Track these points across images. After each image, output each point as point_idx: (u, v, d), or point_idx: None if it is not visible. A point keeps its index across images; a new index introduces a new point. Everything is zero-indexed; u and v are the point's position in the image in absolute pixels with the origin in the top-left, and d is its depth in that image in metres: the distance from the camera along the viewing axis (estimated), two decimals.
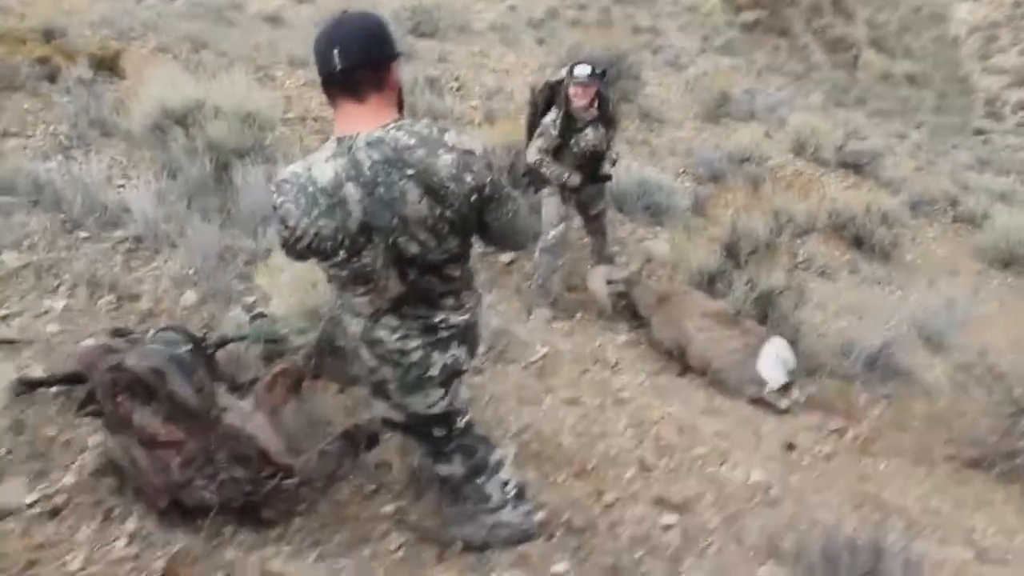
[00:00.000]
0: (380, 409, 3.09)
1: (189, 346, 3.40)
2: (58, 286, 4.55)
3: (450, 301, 2.80)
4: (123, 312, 4.47)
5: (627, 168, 8.78)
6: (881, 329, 6.37)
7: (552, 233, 6.31)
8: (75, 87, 7.34)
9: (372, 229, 2.54)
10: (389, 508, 3.54)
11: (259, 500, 3.10)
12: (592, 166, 6.27)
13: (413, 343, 2.79)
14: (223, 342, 3.90)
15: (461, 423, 3.12)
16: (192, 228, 5.08)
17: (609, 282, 6.28)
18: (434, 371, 2.85)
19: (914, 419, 5.72)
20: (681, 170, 10.49)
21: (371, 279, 2.66)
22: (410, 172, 2.46)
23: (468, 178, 2.52)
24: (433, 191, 2.50)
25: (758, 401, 5.47)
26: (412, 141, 2.47)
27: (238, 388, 3.66)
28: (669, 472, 4.29)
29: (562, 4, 28.84)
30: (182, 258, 4.91)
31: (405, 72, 10.28)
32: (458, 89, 11.38)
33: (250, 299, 4.68)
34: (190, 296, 4.67)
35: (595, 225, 6.76)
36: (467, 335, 2.92)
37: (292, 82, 9.46)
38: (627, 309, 6.41)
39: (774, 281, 5.93)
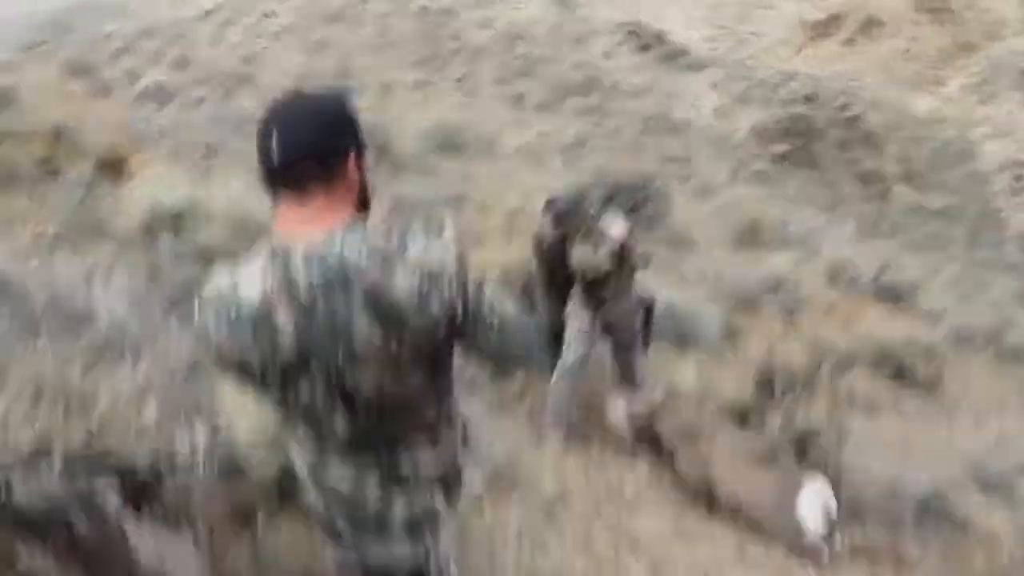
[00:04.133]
0: (334, 557, 2.52)
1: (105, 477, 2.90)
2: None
3: (423, 450, 2.24)
4: (69, 425, 3.97)
5: (655, 293, 8.36)
6: (931, 470, 5.77)
7: (574, 357, 5.84)
8: (73, 187, 7.06)
9: (310, 361, 2.01)
10: None
11: None
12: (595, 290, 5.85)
13: (371, 488, 2.22)
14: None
15: None
16: (165, 337, 4.61)
17: (631, 413, 5.74)
18: (397, 519, 2.29)
19: (973, 575, 5.07)
20: (711, 297, 10.04)
21: (311, 419, 2.13)
22: (358, 297, 1.93)
23: (434, 306, 1.97)
24: (388, 321, 1.95)
25: (797, 549, 4.86)
26: (364, 256, 1.94)
27: (178, 521, 3.14)
28: None
29: (593, 132, 28.99)
30: (148, 369, 4.43)
31: (426, 188, 10.01)
32: (481, 209, 11.07)
33: (218, 419, 4.17)
34: (150, 411, 4.17)
35: (621, 351, 6.25)
36: (445, 479, 2.39)
37: None
38: (650, 442, 5.85)
39: (813, 418, 5.37)
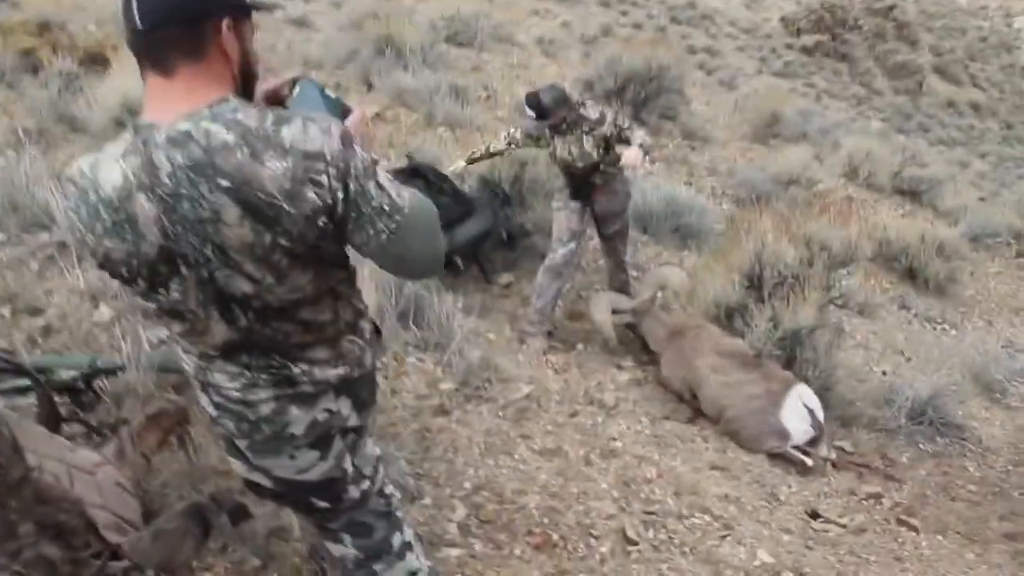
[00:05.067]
0: (239, 469, 2.27)
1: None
2: None
3: (319, 353, 2.00)
4: (18, 328, 3.79)
5: (656, 187, 8.05)
6: (931, 374, 5.52)
7: (560, 252, 5.58)
8: (53, 81, 6.83)
9: (176, 258, 1.77)
10: None
11: None
12: (582, 182, 5.60)
13: (262, 393, 2.00)
14: (90, 374, 3.17)
15: (354, 493, 2.30)
16: None
17: (615, 311, 5.48)
18: (296, 429, 2.05)
19: (966, 485, 4.86)
20: (720, 191, 9.70)
21: (186, 321, 1.89)
22: (224, 183, 1.67)
23: (310, 194, 1.70)
24: (257, 211, 1.69)
25: (778, 457, 4.66)
26: (230, 138, 1.67)
27: (99, 432, 2.95)
28: (655, 548, 3.52)
29: (616, 22, 28.13)
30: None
31: (430, 79, 9.65)
32: (487, 99, 10.72)
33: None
34: (104, 312, 3.98)
35: (610, 246, 5.98)
36: (352, 387, 2.14)
37: None
38: (636, 343, 5.62)
39: (802, 319, 5.08)
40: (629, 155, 5.14)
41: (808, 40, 33.44)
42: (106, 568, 2.33)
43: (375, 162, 1.84)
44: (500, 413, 4.35)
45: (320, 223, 1.75)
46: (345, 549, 2.42)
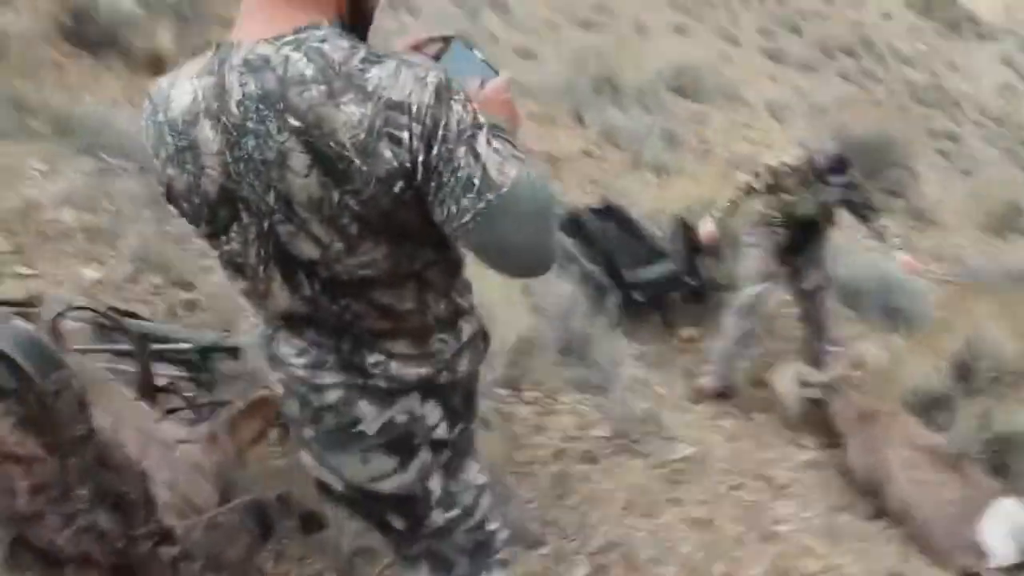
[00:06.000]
0: (309, 465, 1.93)
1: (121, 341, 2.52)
2: (108, 257, 3.84)
3: (399, 346, 1.67)
4: (163, 297, 3.69)
5: (871, 263, 7.45)
6: None
7: (749, 291, 5.17)
8: None
9: (238, 200, 1.52)
10: None
11: (136, 562, 2.12)
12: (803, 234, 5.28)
13: (328, 378, 1.70)
14: (206, 351, 2.98)
15: (438, 519, 1.91)
16: None
17: (803, 384, 4.98)
18: (367, 427, 1.72)
19: None
20: (940, 278, 8.93)
21: (246, 275, 1.63)
22: (294, 123, 1.39)
23: (386, 151, 1.39)
24: (327, 162, 1.40)
25: None
26: (309, 70, 1.39)
27: (198, 411, 2.74)
28: None
29: (854, 95, 27.20)
30: None
31: (644, 121, 9.40)
32: (705, 152, 10.34)
33: None
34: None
35: (810, 303, 5.55)
36: (440, 392, 1.78)
37: None
38: (822, 422, 5.08)
39: (1017, 422, 4.44)
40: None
41: None
42: (156, 552, 2.11)
43: (482, 125, 1.47)
44: (654, 470, 3.95)
45: (396, 188, 1.43)
46: None
